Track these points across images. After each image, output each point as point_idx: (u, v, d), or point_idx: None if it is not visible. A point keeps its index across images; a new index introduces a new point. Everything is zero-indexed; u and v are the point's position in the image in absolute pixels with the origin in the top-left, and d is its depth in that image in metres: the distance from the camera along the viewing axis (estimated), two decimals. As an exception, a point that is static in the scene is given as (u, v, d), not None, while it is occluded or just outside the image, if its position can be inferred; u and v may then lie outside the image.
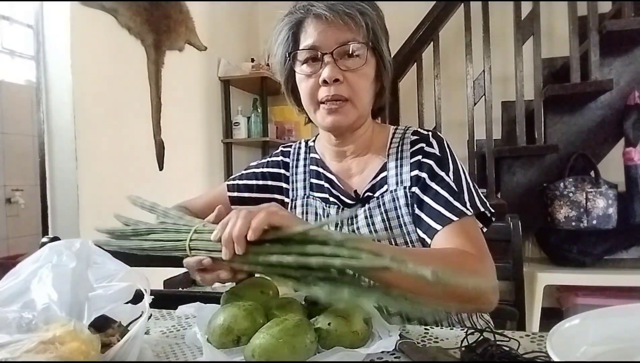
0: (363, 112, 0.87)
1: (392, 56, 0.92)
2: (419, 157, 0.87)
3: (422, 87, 2.60)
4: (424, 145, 0.88)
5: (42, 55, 2.00)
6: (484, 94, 2.50)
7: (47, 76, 2.00)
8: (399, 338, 0.61)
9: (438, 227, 0.80)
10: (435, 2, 2.56)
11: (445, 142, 0.90)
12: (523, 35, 2.43)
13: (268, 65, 3.26)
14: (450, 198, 0.81)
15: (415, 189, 0.85)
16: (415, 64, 2.59)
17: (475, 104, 2.55)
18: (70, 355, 0.48)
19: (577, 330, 0.56)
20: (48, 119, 2.00)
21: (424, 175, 0.85)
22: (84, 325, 0.54)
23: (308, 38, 0.84)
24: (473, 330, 0.62)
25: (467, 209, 0.81)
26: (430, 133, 0.91)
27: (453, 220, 0.79)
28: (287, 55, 0.88)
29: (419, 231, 0.84)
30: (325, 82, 0.82)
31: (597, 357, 0.53)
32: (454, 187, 0.83)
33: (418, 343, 0.63)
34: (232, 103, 3.17)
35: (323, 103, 0.84)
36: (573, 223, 2.24)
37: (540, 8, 2.40)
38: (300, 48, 0.85)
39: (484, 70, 2.50)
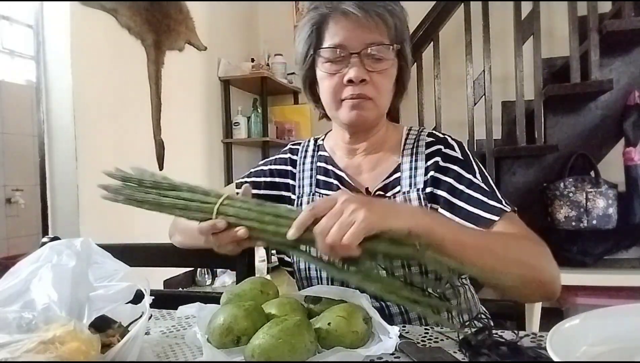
0: (382, 111, 0.88)
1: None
2: (437, 159, 0.86)
3: (422, 87, 2.60)
4: (441, 147, 0.88)
5: (42, 55, 2.00)
6: (484, 94, 2.50)
7: (47, 76, 2.00)
8: (399, 338, 0.61)
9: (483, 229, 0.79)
10: (435, 2, 2.56)
11: (464, 145, 0.89)
12: (523, 35, 2.43)
13: (268, 65, 3.26)
14: (485, 199, 0.81)
15: (441, 193, 0.84)
16: (415, 64, 2.59)
17: (475, 104, 2.55)
18: (70, 355, 0.48)
19: (577, 330, 0.56)
20: (48, 119, 2.00)
21: (449, 179, 0.84)
22: (84, 325, 0.54)
23: (334, 36, 0.83)
24: (470, 321, 0.62)
25: (504, 205, 0.80)
26: (448, 136, 0.91)
27: (495, 221, 0.79)
28: (311, 52, 0.86)
29: None
30: (351, 81, 0.82)
31: (597, 357, 0.53)
32: (485, 187, 0.83)
33: (418, 343, 0.63)
34: (232, 103, 3.18)
35: (346, 99, 0.84)
36: (573, 223, 2.23)
37: (540, 8, 2.40)
38: (325, 45, 0.84)
39: (484, 70, 2.50)
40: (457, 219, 0.81)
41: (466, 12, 2.50)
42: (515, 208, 0.83)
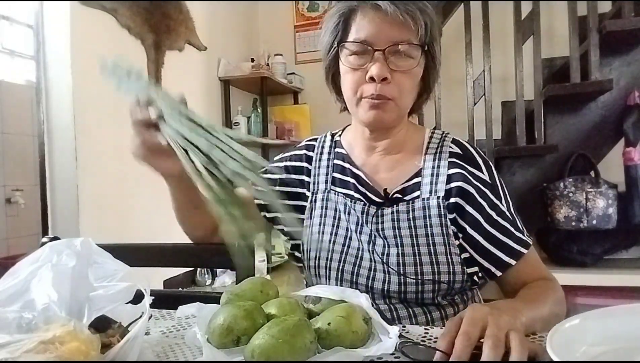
0: (403, 112, 0.86)
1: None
2: (464, 172, 0.85)
3: (422, 87, 2.60)
4: (467, 165, 0.86)
5: (42, 55, 2.00)
6: (484, 94, 2.50)
7: (47, 76, 2.00)
8: (398, 338, 0.61)
9: (512, 261, 0.83)
10: (435, 2, 2.56)
11: (491, 165, 0.89)
12: (523, 35, 2.43)
13: (268, 65, 3.26)
14: (513, 230, 0.84)
15: (472, 211, 0.84)
16: (415, 63, 2.59)
17: (475, 104, 2.55)
18: (70, 355, 0.48)
19: (577, 330, 0.56)
20: (48, 119, 2.00)
21: (482, 201, 0.84)
22: (84, 325, 0.54)
23: (360, 30, 0.81)
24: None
25: (527, 237, 0.85)
26: (475, 152, 0.89)
27: (524, 253, 0.84)
28: (335, 44, 0.85)
29: (478, 258, 0.85)
30: (372, 79, 0.80)
31: (597, 357, 0.53)
32: (510, 217, 0.85)
33: (418, 343, 0.63)
34: (232, 103, 3.18)
35: (366, 98, 0.82)
36: (573, 223, 2.23)
37: (540, 8, 2.40)
38: (351, 39, 0.82)
39: (484, 70, 2.50)
40: (491, 247, 0.84)
41: (466, 12, 2.50)
42: (532, 238, 0.88)
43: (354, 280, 0.86)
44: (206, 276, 2.75)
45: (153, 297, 0.61)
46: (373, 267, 0.85)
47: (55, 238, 1.05)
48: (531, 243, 0.86)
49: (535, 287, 0.81)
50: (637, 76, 2.31)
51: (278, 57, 3.37)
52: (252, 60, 3.28)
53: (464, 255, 0.85)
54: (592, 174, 2.30)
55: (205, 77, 2.97)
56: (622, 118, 2.30)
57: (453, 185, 0.85)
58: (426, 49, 0.82)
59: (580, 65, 2.29)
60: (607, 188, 2.23)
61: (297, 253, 0.97)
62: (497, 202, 0.85)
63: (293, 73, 3.48)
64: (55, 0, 1.97)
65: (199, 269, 2.74)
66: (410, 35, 0.80)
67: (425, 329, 0.70)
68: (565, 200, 2.25)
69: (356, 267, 0.86)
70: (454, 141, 0.90)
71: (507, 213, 0.85)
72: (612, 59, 2.34)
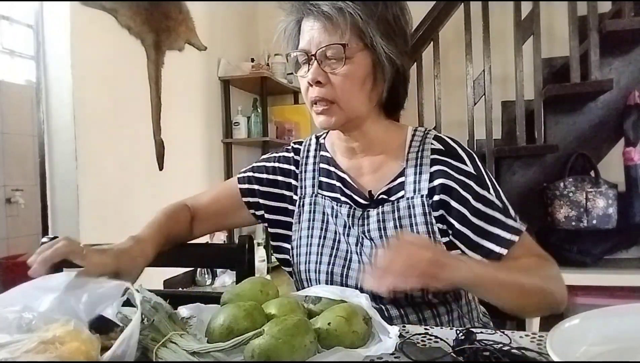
0: (353, 113, 0.85)
1: (407, 48, 0.88)
2: (446, 169, 0.85)
3: (422, 87, 2.60)
4: (450, 159, 0.86)
5: (42, 55, 2.00)
6: (484, 94, 2.50)
7: (47, 76, 2.00)
8: (398, 338, 0.61)
9: (503, 251, 0.82)
10: (435, 2, 2.56)
11: (475, 157, 0.88)
12: (523, 35, 2.43)
13: (268, 65, 3.26)
14: (504, 219, 0.83)
15: (457, 206, 0.83)
16: (415, 63, 2.59)
17: (475, 104, 2.54)
18: (70, 355, 0.48)
19: (577, 330, 0.56)
20: (48, 119, 2.00)
21: (466, 194, 0.83)
22: (84, 325, 0.54)
23: (301, 40, 0.86)
24: (466, 328, 0.62)
25: (519, 224, 0.84)
26: (457, 146, 0.89)
27: (515, 242, 0.82)
28: (285, 58, 0.91)
29: (469, 252, 0.84)
30: (310, 83, 0.84)
31: (597, 357, 0.53)
32: (500, 205, 0.84)
33: (418, 343, 0.63)
34: (232, 103, 3.17)
35: (313, 103, 0.86)
36: (573, 223, 2.23)
37: (540, 8, 2.40)
38: (295, 50, 0.87)
39: (484, 70, 2.50)
40: (481, 240, 0.83)
41: (466, 12, 2.50)
42: (526, 225, 0.86)
43: (344, 282, 0.86)
44: (206, 276, 2.75)
45: (143, 296, 0.61)
46: (362, 269, 0.85)
47: (55, 238, 1.06)
48: (524, 229, 0.84)
49: (524, 260, 0.82)
50: (637, 76, 2.31)
51: (278, 57, 3.36)
52: (252, 60, 3.28)
53: (454, 252, 0.85)
54: (592, 174, 2.30)
55: (205, 77, 2.96)
56: (622, 118, 2.30)
57: (436, 183, 0.85)
58: (362, 43, 0.81)
59: (580, 65, 2.29)
60: (607, 188, 2.23)
61: (284, 259, 0.98)
62: (484, 193, 0.84)
63: (293, 73, 3.47)
64: (55, 0, 1.97)
65: (199, 269, 2.74)
66: (332, 37, 0.81)
67: (425, 329, 0.70)
68: (565, 200, 2.25)
69: (345, 269, 0.87)
70: (436, 137, 0.90)
71: (497, 201, 0.84)
72: (612, 59, 2.33)
